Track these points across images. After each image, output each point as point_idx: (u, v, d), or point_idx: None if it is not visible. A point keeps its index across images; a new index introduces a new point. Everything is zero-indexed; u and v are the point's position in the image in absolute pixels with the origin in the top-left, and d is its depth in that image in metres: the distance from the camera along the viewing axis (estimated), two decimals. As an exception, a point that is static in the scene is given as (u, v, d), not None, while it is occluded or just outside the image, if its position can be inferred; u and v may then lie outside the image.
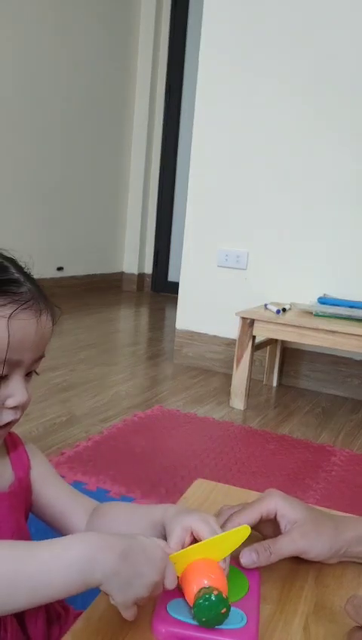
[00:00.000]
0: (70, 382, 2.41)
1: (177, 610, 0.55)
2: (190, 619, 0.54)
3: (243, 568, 0.63)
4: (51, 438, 1.84)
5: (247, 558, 0.63)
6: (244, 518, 0.65)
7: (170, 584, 0.54)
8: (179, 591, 0.57)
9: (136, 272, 5.07)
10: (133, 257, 5.06)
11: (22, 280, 0.65)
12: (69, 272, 4.43)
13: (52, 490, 0.72)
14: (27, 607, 0.52)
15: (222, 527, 0.64)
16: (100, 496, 1.51)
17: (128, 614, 0.53)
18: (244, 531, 0.60)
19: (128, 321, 4.07)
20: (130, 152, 4.93)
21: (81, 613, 0.80)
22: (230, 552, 0.59)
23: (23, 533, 0.69)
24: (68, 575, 0.51)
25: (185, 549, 0.58)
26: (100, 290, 4.73)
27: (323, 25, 2.47)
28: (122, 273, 5.09)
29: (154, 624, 0.54)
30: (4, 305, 0.60)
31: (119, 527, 0.68)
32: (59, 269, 4.33)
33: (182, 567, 0.57)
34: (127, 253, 5.08)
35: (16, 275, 0.65)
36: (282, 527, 0.66)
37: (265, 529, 0.69)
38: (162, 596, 0.56)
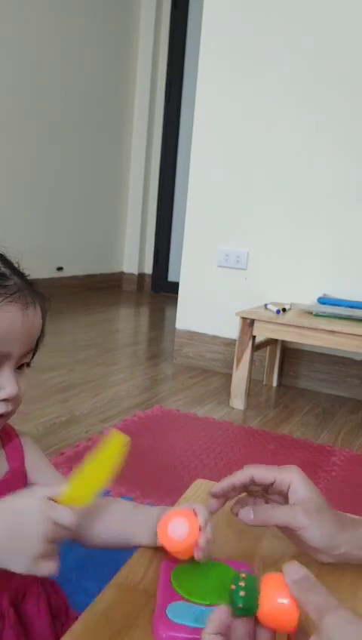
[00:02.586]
0: (70, 382, 2.41)
1: (177, 614, 0.55)
2: (190, 622, 0.54)
3: (234, 566, 0.63)
4: (51, 438, 1.84)
5: (244, 515, 0.63)
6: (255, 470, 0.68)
7: (67, 521, 0.53)
8: (174, 592, 0.57)
9: (136, 272, 5.07)
10: (133, 257, 5.06)
11: (8, 274, 0.66)
12: (69, 272, 4.43)
13: (47, 480, 0.73)
14: None
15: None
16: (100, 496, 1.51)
17: (43, 572, 0.53)
18: (117, 439, 0.57)
19: (128, 321, 4.07)
20: (130, 152, 4.93)
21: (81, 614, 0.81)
22: (115, 465, 0.57)
23: None
24: None
25: (70, 482, 0.56)
26: (100, 290, 4.73)
27: (324, 24, 2.47)
28: (122, 273, 5.09)
29: (154, 628, 0.54)
30: None
31: (118, 521, 0.70)
32: (59, 269, 4.32)
33: (80, 497, 0.55)
34: (127, 254, 5.08)
35: (3, 269, 0.66)
36: (291, 500, 0.66)
37: (277, 499, 0.69)
38: (162, 599, 0.56)
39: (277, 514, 0.63)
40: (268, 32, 2.56)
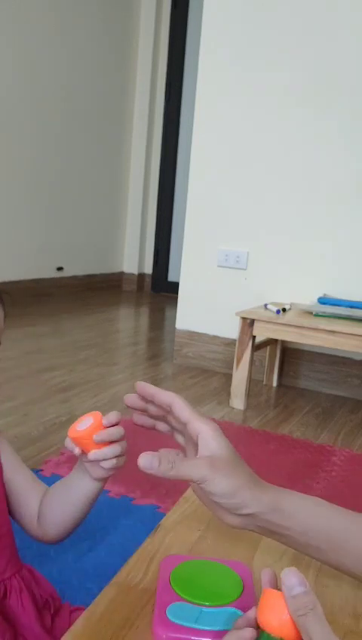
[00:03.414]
0: (70, 382, 2.41)
1: (177, 615, 0.55)
2: (190, 623, 0.54)
3: (233, 567, 0.63)
4: (51, 438, 1.84)
5: (146, 462, 0.56)
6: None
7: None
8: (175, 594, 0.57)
9: (136, 272, 5.07)
10: (133, 257, 5.06)
11: None
12: (69, 272, 4.43)
13: (20, 477, 0.79)
14: None
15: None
16: (100, 496, 1.51)
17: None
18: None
19: (128, 321, 4.07)
20: (129, 152, 4.93)
21: (77, 609, 0.81)
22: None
23: None
24: None
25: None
26: (100, 290, 4.73)
27: (324, 23, 2.47)
28: (122, 273, 5.09)
29: (154, 629, 0.54)
30: None
31: (56, 504, 0.77)
32: (59, 269, 4.33)
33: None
34: (127, 254, 5.08)
35: None
36: (200, 454, 0.59)
37: (185, 443, 0.64)
38: (162, 600, 0.57)
39: (181, 467, 0.56)
40: (268, 32, 2.56)
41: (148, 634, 0.54)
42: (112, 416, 0.67)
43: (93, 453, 0.67)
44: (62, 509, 0.76)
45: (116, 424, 0.67)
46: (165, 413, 0.64)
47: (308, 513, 0.58)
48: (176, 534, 0.72)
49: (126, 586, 0.62)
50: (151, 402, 0.64)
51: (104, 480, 0.74)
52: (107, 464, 0.68)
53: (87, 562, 1.22)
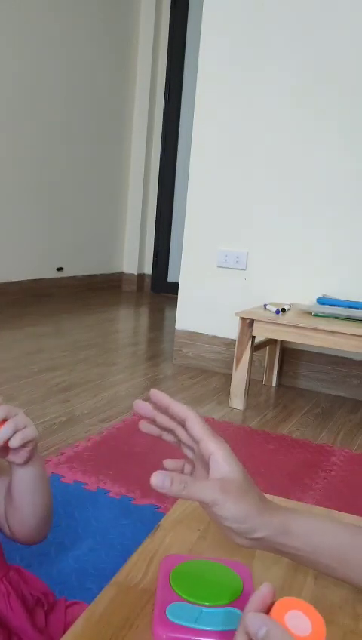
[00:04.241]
0: (70, 382, 2.41)
1: (177, 615, 0.55)
2: (190, 623, 0.54)
3: (233, 567, 0.63)
4: (51, 438, 1.84)
5: (159, 481, 0.56)
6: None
7: None
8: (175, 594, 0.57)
9: (135, 272, 5.07)
10: (133, 258, 5.07)
11: None
12: (69, 272, 4.43)
13: None
14: None
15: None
16: (100, 496, 1.52)
17: None
18: None
19: (128, 322, 4.07)
20: (129, 153, 4.93)
21: (73, 603, 0.81)
22: None
23: None
24: None
25: None
26: (100, 290, 4.74)
27: (323, 23, 2.47)
28: (122, 273, 5.10)
29: (154, 629, 0.54)
30: None
31: (8, 504, 0.77)
32: (59, 269, 4.33)
33: None
34: (127, 254, 5.08)
35: None
36: (211, 475, 0.60)
37: (198, 467, 0.64)
38: (161, 600, 0.57)
39: (194, 488, 0.57)
40: (268, 31, 2.57)
41: (148, 634, 0.55)
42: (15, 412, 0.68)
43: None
44: (16, 508, 0.76)
45: None
46: (175, 426, 0.65)
47: (315, 532, 0.60)
48: (175, 534, 0.72)
49: (126, 586, 0.62)
50: (164, 412, 0.65)
51: (30, 460, 0.73)
52: (14, 442, 0.68)
53: (87, 562, 1.22)
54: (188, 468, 0.66)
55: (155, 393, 0.64)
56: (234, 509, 0.57)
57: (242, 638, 0.46)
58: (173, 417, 0.64)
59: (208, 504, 0.57)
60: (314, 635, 0.44)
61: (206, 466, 0.61)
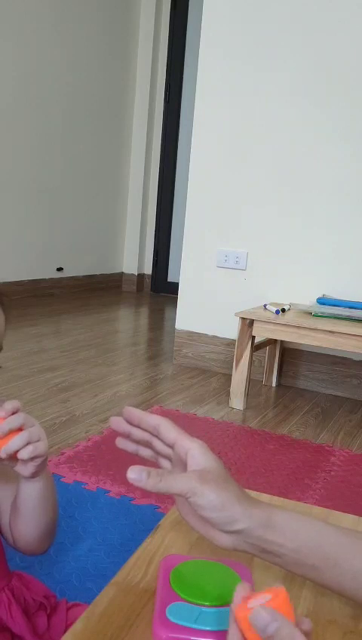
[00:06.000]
0: (70, 382, 2.41)
1: (177, 615, 0.55)
2: (190, 623, 0.54)
3: (233, 567, 0.63)
4: (51, 438, 1.84)
5: (135, 474, 0.56)
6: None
7: None
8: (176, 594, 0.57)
9: (135, 272, 5.07)
10: (133, 258, 5.07)
11: None
12: (69, 272, 4.43)
13: None
14: None
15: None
16: (100, 496, 1.52)
17: None
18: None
19: (128, 322, 4.07)
20: (129, 153, 4.93)
21: (74, 605, 0.81)
22: None
23: None
24: None
25: None
26: (100, 290, 4.74)
27: (324, 23, 2.47)
28: (122, 274, 5.10)
29: (154, 629, 0.55)
30: None
31: (13, 515, 0.76)
32: (59, 269, 4.33)
33: None
34: (127, 254, 5.08)
35: None
36: (189, 468, 0.59)
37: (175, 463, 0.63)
38: (161, 600, 0.57)
39: (170, 481, 0.56)
40: (269, 32, 2.57)
41: (148, 634, 0.55)
42: (8, 405, 0.66)
43: (3, 449, 0.65)
44: (19, 519, 0.76)
45: (14, 413, 0.66)
46: (150, 438, 0.65)
47: (301, 528, 0.57)
48: (175, 534, 0.72)
49: (126, 586, 0.62)
50: (137, 426, 0.65)
51: (37, 475, 0.71)
52: (24, 454, 0.66)
53: (87, 562, 1.22)
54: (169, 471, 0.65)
55: (128, 410, 0.65)
56: (212, 495, 0.55)
57: (234, 630, 0.46)
58: (146, 429, 0.64)
59: (186, 495, 0.56)
60: (274, 599, 0.45)
61: (184, 466, 0.60)
